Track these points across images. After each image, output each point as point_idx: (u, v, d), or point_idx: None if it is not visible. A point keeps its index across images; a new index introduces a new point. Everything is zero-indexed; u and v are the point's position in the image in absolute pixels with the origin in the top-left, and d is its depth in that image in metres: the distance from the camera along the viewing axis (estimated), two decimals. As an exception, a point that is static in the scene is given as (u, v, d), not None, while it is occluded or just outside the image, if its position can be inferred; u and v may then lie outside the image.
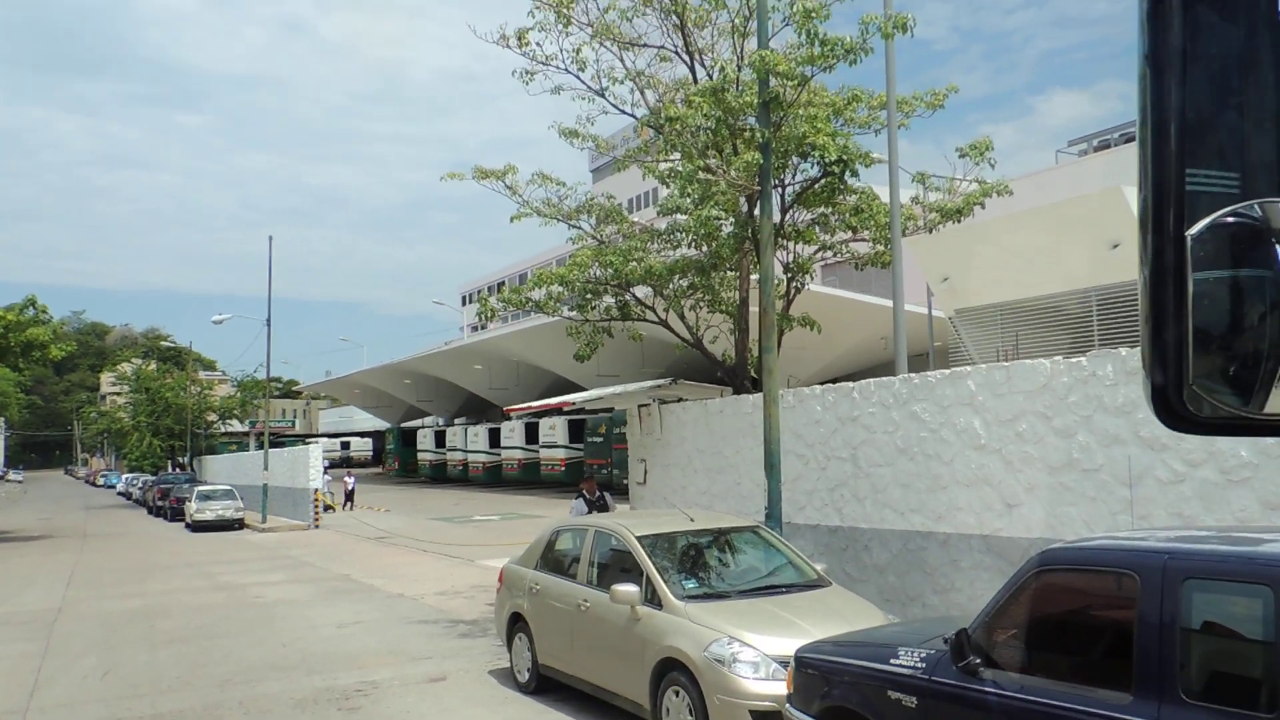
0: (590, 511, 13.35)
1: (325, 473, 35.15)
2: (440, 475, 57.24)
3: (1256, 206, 0.93)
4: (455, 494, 46.60)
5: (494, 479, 51.56)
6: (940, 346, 26.33)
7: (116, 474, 75.66)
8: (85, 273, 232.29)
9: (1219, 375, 0.96)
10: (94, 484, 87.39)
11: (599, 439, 42.17)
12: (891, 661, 4.59)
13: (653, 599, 7.02)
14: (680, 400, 12.78)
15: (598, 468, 42.64)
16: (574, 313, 12.56)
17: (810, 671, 5.05)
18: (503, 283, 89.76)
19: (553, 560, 8.68)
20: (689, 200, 9.86)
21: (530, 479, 48.31)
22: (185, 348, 63.39)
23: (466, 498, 43.95)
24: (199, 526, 31.95)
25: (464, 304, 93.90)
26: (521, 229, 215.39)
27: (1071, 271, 16.30)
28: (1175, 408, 0.97)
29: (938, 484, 8.48)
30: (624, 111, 12.34)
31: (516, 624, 8.89)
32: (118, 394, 69.39)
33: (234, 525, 32.15)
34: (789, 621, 6.53)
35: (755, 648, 6.23)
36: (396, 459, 63.26)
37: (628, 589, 7.02)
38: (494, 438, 52.50)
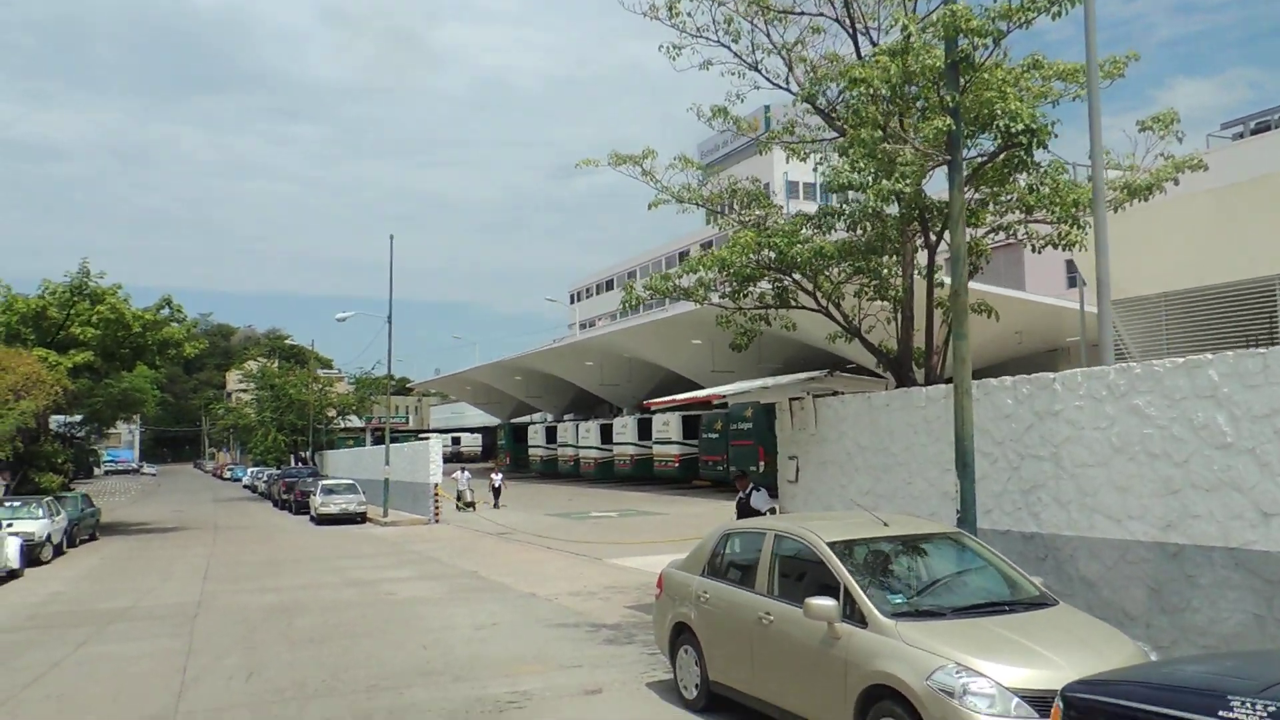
0: (740, 510, 12.58)
1: (463, 470, 35.26)
2: (551, 471, 57.29)
3: None
4: (567, 490, 46.45)
5: (605, 475, 51.29)
6: (1094, 342, 24.58)
7: (242, 468, 78.41)
8: (211, 277, 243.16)
9: None
10: (221, 477, 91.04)
11: (714, 435, 41.32)
12: (1222, 714, 3.66)
13: (853, 615, 6.18)
14: (834, 394, 11.87)
15: (712, 464, 41.80)
16: (724, 300, 11.77)
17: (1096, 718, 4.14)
18: (611, 281, 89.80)
19: (723, 567, 7.92)
20: (865, 174, 8.94)
21: (643, 475, 47.82)
22: (305, 347, 65.11)
23: (579, 494, 43.72)
24: (323, 520, 32.41)
25: (572, 302, 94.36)
26: (621, 230, 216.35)
27: (1253, 257, 14.78)
28: None
29: (1167, 487, 7.38)
30: (778, 85, 11.48)
31: (681, 635, 8.16)
32: (244, 391, 71.90)
33: (356, 519, 32.51)
34: (1025, 648, 5.61)
35: (989, 678, 5.34)
36: (508, 454, 63.67)
37: (824, 603, 6.20)
38: (606, 434, 52.21)
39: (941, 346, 11.01)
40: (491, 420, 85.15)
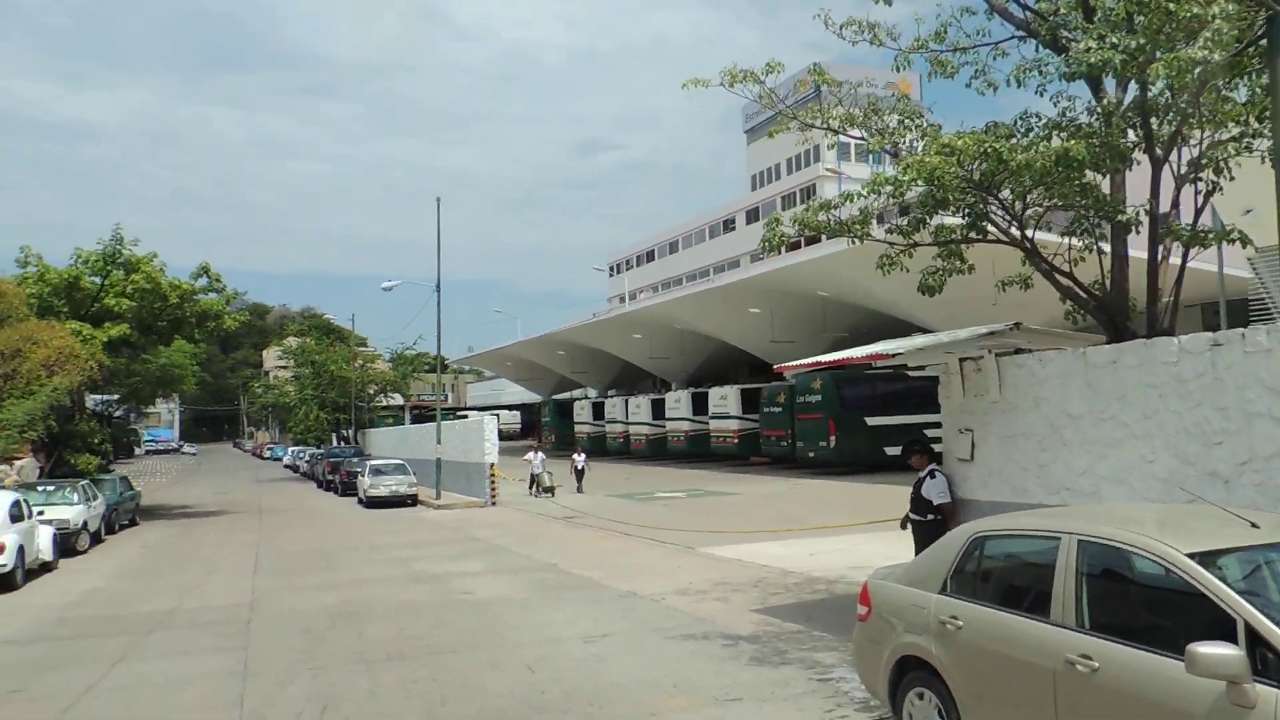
0: (914, 497, 10.39)
1: (537, 450, 32.79)
2: (599, 448, 55.17)
3: None
4: (621, 468, 44.41)
5: (658, 452, 49.14)
6: (1238, 302, 22.04)
7: (282, 447, 77.30)
8: (243, 257, 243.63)
9: None
10: (260, 456, 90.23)
11: (777, 408, 39.01)
12: None
13: (1270, 671, 4.00)
14: (1017, 351, 9.61)
15: (775, 439, 39.50)
16: (891, 235, 9.52)
17: None
18: (652, 252, 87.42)
19: (980, 583, 5.74)
20: (1139, 41, 6.66)
21: (698, 452, 45.63)
22: (342, 326, 63.49)
23: (635, 472, 41.70)
24: (373, 502, 30.63)
25: (611, 275, 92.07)
26: (648, 205, 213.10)
27: None
28: None
29: None
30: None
31: (911, 674, 6.00)
32: (282, 368, 70.60)
33: (407, 501, 30.70)
34: None
35: None
36: (554, 431, 61.67)
37: (1226, 654, 4.02)
38: (658, 409, 50.02)
39: (1173, 289, 8.75)
40: (531, 397, 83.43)
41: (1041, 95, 9.38)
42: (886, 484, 28.94)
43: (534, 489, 30.79)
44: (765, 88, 10.93)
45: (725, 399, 43.81)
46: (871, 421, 34.27)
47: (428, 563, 16.89)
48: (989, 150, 7.96)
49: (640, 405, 51.97)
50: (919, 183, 8.38)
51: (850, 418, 34.58)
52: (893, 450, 35.38)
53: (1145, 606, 4.77)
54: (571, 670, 8.81)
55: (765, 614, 11.01)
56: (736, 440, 42.83)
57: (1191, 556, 4.53)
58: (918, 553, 10.45)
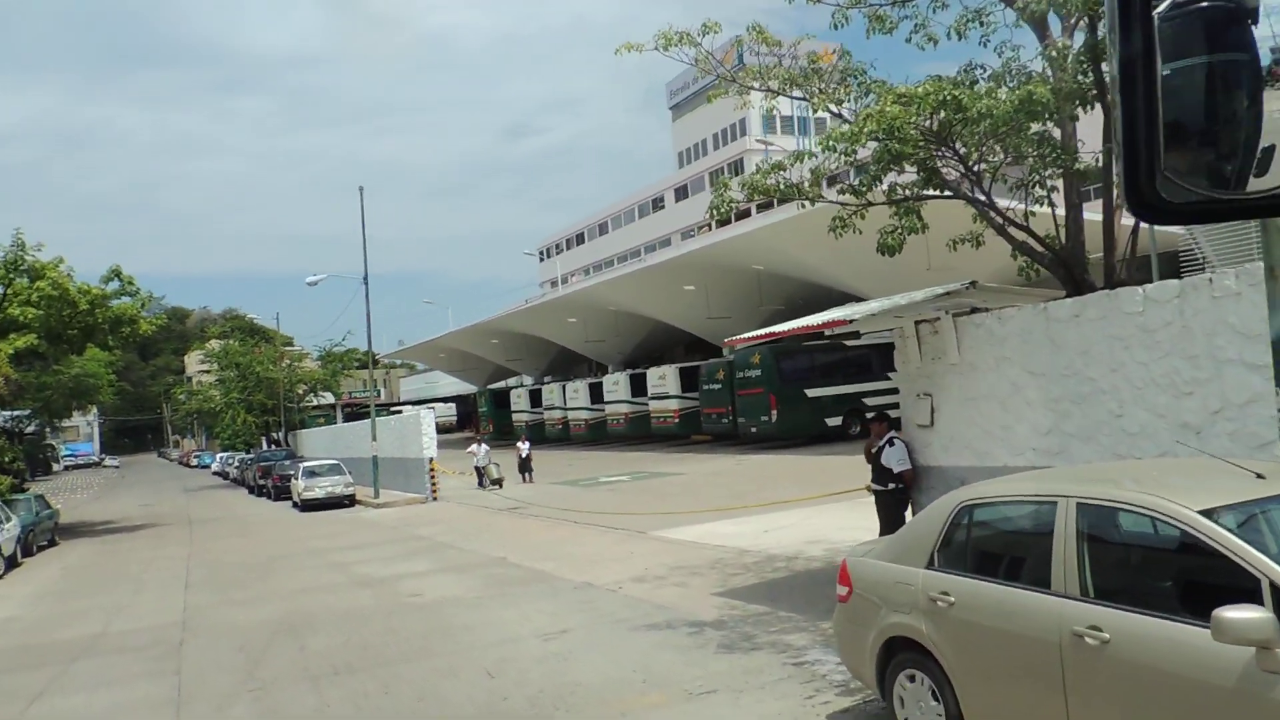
0: (874, 466, 10.11)
1: (481, 443, 31.73)
2: (538, 436, 54.31)
3: None
4: (562, 455, 43.82)
5: (598, 436, 48.64)
6: (1167, 254, 22.28)
7: (210, 454, 74.95)
8: (161, 260, 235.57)
9: (1193, 162, 0.93)
10: (188, 465, 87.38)
11: (717, 385, 38.80)
12: None
13: (1301, 636, 3.71)
14: (973, 311, 9.37)
15: (716, 416, 39.33)
16: (844, 196, 9.13)
17: None
18: (582, 235, 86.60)
19: (971, 554, 5.41)
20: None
21: (639, 434, 45.24)
22: (266, 326, 61.64)
23: (576, 458, 41.18)
24: (308, 505, 29.62)
25: (542, 259, 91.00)
26: (576, 189, 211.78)
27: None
28: (1147, 197, 0.95)
29: None
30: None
31: (900, 656, 5.66)
32: (206, 372, 68.34)
33: (345, 502, 29.76)
34: None
35: None
36: (491, 421, 60.72)
37: (1253, 617, 3.72)
38: (596, 392, 49.46)
39: (1129, 239, 8.55)
40: (466, 388, 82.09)
41: (985, 46, 9.11)
42: (830, 455, 28.92)
43: (482, 482, 29.77)
44: (702, 50, 10.50)
45: (664, 379, 43.49)
46: (811, 393, 34.27)
47: (371, 565, 16.21)
48: (948, 99, 7.64)
49: (578, 390, 51.40)
50: (878, 135, 8.01)
51: (790, 391, 34.51)
52: (833, 421, 35.62)
53: (1156, 571, 4.48)
54: (533, 672, 8.34)
55: (728, 597, 10.65)
56: (677, 420, 42.56)
57: (1204, 514, 4.22)
58: (882, 523, 10.22)
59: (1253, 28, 0.90)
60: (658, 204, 74.81)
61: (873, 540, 6.67)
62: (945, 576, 5.38)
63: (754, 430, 35.88)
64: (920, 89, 7.82)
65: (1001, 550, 5.32)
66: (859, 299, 25.67)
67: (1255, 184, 0.93)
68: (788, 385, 34.66)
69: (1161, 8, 0.89)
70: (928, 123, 7.97)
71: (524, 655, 8.96)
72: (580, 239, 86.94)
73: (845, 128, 8.33)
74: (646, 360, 52.53)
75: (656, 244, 71.23)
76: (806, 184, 9.18)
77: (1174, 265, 20.53)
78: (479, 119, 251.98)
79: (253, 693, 8.54)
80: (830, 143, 8.43)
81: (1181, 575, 4.35)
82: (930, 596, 5.39)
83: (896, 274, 22.58)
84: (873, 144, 8.19)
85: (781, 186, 9.23)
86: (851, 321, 9.01)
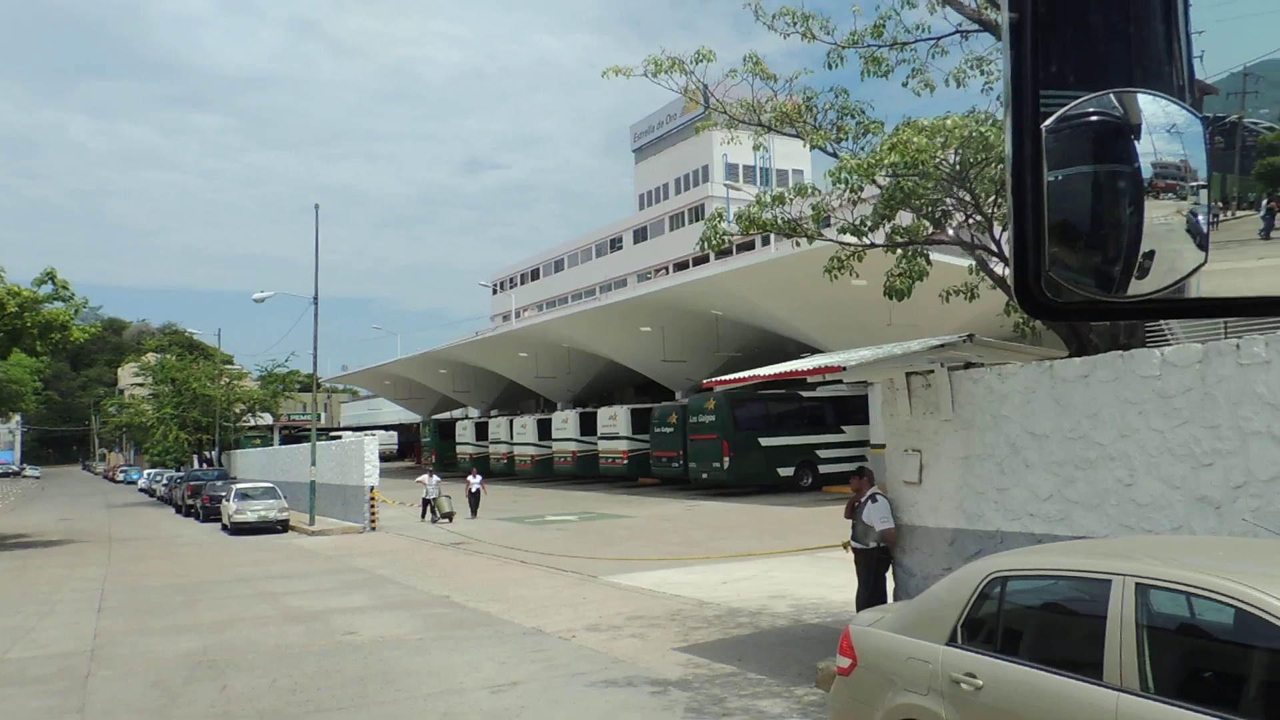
0: (854, 522, 9.54)
1: (431, 474, 30.46)
2: (482, 469, 53.09)
3: (1112, 98, 0.94)
4: (507, 490, 42.78)
5: (544, 473, 47.71)
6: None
7: (137, 469, 72.22)
8: (102, 270, 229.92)
9: (1076, 264, 0.97)
10: (113, 479, 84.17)
11: (668, 429, 38.19)
12: None
13: None
14: (968, 365, 8.92)
15: (667, 460, 38.70)
16: (844, 236, 8.65)
17: None
18: (537, 270, 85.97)
19: (1002, 632, 4.83)
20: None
21: (586, 473, 44.42)
22: (206, 343, 59.81)
23: (521, 494, 40.23)
24: (239, 529, 28.24)
25: (495, 292, 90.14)
26: (531, 226, 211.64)
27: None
28: (1035, 295, 0.98)
29: None
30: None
31: (912, 740, 5.05)
32: (140, 385, 66.01)
33: (278, 527, 28.46)
34: None
35: None
36: (434, 452, 59.36)
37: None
38: (544, 429, 48.59)
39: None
40: (410, 417, 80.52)
41: (986, 94, 8.76)
42: (783, 505, 28.48)
43: (429, 514, 28.48)
44: (695, 79, 10.04)
45: (615, 419, 42.81)
46: (765, 442, 33.84)
47: (304, 598, 15.21)
48: (973, 135, 7.23)
49: (526, 425, 50.49)
50: (898, 168, 7.55)
51: (744, 438, 34.04)
52: (785, 471, 35.21)
53: (1230, 667, 3.92)
54: (483, 730, 7.56)
55: (690, 653, 9.97)
56: (626, 461, 41.84)
57: (1299, 607, 3.70)
58: (861, 583, 9.65)
59: (1135, 142, 0.94)
60: (616, 244, 74.60)
61: (883, 607, 6.09)
62: (971, 655, 4.79)
63: (705, 476, 35.29)
64: (949, 121, 7.41)
65: (1041, 630, 4.75)
66: (817, 350, 25.38)
67: (1136, 287, 0.96)
68: (741, 432, 34.19)
69: (1048, 122, 0.95)
70: (953, 158, 7.55)
71: (471, 709, 8.18)
72: (535, 274, 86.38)
73: (860, 158, 7.87)
74: (595, 399, 51.86)
75: (612, 284, 70.91)
76: (808, 220, 8.69)
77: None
78: (437, 151, 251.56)
79: (165, 740, 7.63)
80: (843, 174, 7.94)
81: (1261, 675, 3.80)
82: (952, 677, 4.80)
83: (858, 327, 22.23)
84: (884, 180, 7.73)
85: (779, 221, 8.74)
86: (844, 369, 8.48)
